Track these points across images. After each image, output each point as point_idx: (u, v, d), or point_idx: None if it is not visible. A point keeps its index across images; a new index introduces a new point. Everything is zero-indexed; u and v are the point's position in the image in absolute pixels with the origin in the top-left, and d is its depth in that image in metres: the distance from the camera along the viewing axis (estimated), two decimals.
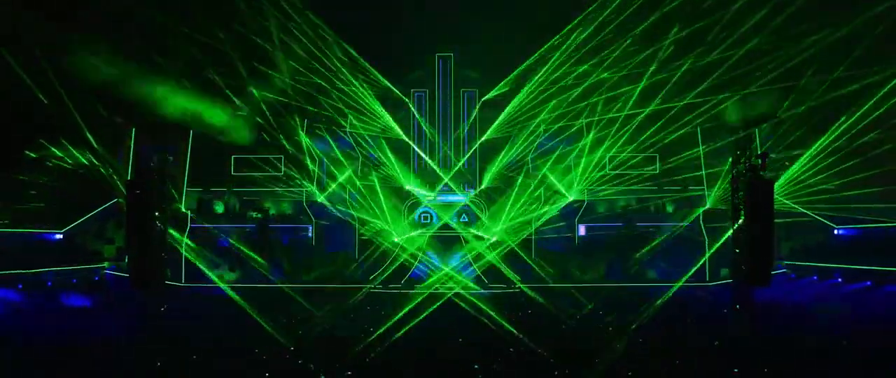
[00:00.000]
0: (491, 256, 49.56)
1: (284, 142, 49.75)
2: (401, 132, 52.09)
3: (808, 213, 48.93)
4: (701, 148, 48.65)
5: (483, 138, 51.82)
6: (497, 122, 51.09)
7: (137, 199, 35.12)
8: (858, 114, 41.18)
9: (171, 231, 40.81)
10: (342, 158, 51.05)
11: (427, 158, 52.18)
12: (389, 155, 51.81)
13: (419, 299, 43.83)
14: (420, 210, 51.65)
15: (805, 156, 43.81)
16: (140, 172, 36.98)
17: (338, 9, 47.65)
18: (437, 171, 51.85)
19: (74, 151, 43.73)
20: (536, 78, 48.95)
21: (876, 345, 29.62)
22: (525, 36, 48.55)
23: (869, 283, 42.45)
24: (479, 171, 52.13)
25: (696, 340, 33.10)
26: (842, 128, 42.60)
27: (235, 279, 48.36)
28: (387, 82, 50.46)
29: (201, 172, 50.74)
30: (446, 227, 51.47)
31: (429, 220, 51.62)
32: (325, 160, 51.73)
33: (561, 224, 51.54)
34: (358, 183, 51.40)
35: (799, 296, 45.01)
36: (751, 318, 32.95)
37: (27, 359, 28.45)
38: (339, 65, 48.11)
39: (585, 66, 46.93)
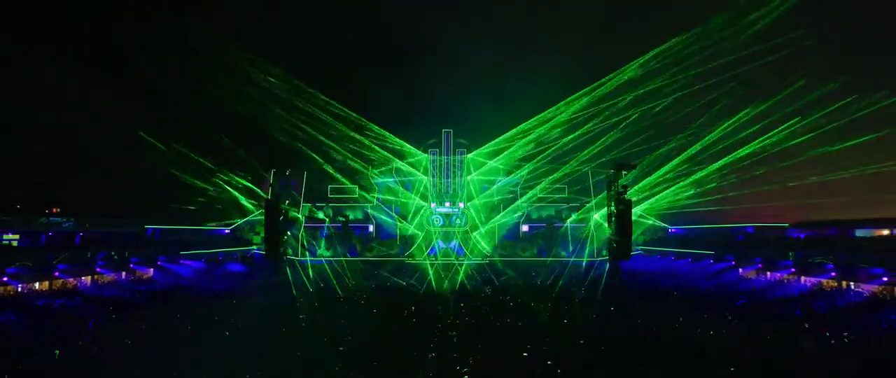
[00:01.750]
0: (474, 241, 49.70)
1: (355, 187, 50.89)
2: (421, 174, 52.45)
3: (655, 219, 48.62)
4: (591, 181, 48.67)
5: (468, 177, 52.03)
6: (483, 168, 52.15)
7: (271, 210, 35.42)
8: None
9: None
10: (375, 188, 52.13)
11: (437, 186, 52.24)
12: (416, 186, 52.26)
13: (433, 263, 45.22)
14: (432, 215, 51.36)
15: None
16: (273, 196, 37.17)
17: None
18: (443, 193, 51.80)
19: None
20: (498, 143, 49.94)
21: (680, 284, 33.68)
22: (492, 123, 50.20)
23: (689, 259, 42.11)
24: (465, 194, 51.95)
25: (589, 285, 33.85)
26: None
27: (329, 255, 48.13)
28: (411, 146, 51.48)
29: (311, 195, 50.96)
30: (447, 225, 51.17)
31: (436, 221, 51.30)
32: (381, 189, 52.20)
33: (513, 225, 51.33)
34: (399, 200, 51.89)
35: (646, 265, 44.65)
36: (619, 276, 32.95)
37: (207, 297, 29.07)
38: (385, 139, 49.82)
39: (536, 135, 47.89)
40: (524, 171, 50.18)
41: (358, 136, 48.02)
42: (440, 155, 52.24)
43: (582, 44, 52.55)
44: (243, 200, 45.83)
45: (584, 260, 45.36)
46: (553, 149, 47.46)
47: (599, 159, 45.40)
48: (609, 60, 45.71)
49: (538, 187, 49.77)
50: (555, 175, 48.75)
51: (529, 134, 47.83)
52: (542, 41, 58.01)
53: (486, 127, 50.88)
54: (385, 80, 55.42)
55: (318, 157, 47.34)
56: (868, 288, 28.33)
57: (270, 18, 56.58)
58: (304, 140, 46.00)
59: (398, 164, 51.17)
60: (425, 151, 52.29)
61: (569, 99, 46.14)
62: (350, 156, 48.88)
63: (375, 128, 48.82)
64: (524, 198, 50.64)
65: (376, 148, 49.46)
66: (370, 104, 48.55)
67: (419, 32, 55.39)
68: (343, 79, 53.17)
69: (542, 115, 46.96)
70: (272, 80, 44.13)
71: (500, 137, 49.66)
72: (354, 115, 47.48)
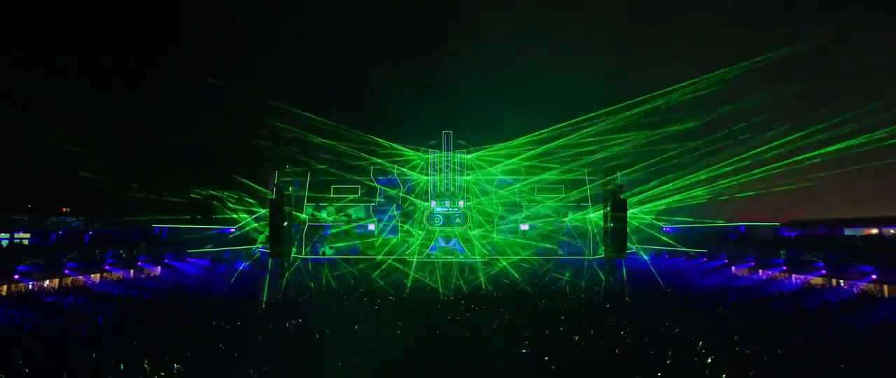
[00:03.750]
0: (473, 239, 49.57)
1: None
2: (421, 175, 52.24)
3: (650, 219, 48.42)
4: (588, 181, 48.47)
5: (467, 177, 51.92)
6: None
7: (275, 209, 35.48)
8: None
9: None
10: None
11: (437, 186, 52.09)
12: (417, 186, 52.16)
13: (434, 260, 46.09)
14: (433, 213, 51.21)
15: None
16: (277, 196, 37.16)
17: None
18: (443, 191, 51.69)
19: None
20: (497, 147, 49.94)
21: (672, 281, 34.88)
22: (489, 126, 50.23)
23: (682, 257, 42.14)
24: (465, 192, 51.78)
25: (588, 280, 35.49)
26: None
27: (332, 253, 47.94)
28: (412, 145, 51.30)
29: (314, 194, 50.68)
30: (446, 224, 51.05)
31: (437, 221, 51.15)
32: (384, 187, 51.98)
33: (513, 223, 51.25)
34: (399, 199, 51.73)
35: (641, 263, 44.40)
36: (615, 271, 33.15)
37: (214, 295, 29.31)
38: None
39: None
40: (524, 176, 50.09)
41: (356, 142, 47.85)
42: (440, 155, 52.21)
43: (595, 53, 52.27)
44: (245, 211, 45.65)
45: (584, 258, 45.31)
46: (555, 151, 47.36)
47: (599, 158, 45.12)
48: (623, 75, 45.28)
49: (538, 187, 49.70)
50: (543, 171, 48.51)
51: (533, 137, 47.63)
52: (552, 44, 57.51)
53: (488, 129, 50.85)
54: (386, 79, 55.06)
55: (321, 156, 47.16)
56: (858, 285, 28.38)
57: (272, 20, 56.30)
58: (306, 141, 45.81)
59: (397, 169, 51.05)
60: (426, 152, 52.22)
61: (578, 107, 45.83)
62: (351, 157, 48.79)
63: (376, 129, 48.62)
64: (523, 197, 50.48)
65: (378, 146, 49.24)
66: (370, 103, 48.30)
67: (419, 31, 55.27)
68: (343, 76, 53.00)
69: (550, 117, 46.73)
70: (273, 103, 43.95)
71: (504, 143, 49.49)
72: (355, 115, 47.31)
